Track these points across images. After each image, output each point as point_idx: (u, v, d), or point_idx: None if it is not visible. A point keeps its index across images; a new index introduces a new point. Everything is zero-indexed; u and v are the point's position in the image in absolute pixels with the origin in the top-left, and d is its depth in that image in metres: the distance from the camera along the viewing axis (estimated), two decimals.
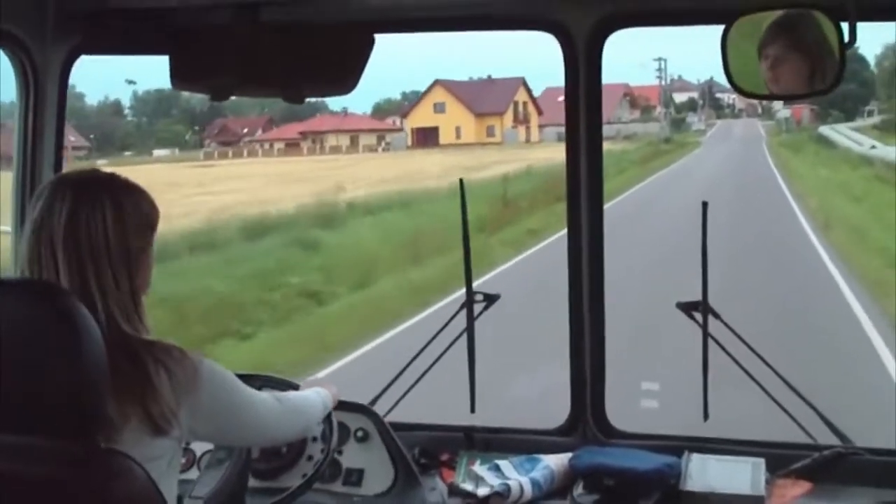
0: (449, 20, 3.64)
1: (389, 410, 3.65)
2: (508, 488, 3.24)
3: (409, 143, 53.26)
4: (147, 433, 2.34)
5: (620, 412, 3.63)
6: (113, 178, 2.51)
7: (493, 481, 3.29)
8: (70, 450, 2.02)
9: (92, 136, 45.69)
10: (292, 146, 52.54)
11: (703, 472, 3.25)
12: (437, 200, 25.84)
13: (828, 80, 2.88)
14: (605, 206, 3.54)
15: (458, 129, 53.03)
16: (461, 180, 3.86)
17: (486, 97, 53.48)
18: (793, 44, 2.89)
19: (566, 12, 3.41)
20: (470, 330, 3.70)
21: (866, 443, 3.36)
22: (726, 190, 26.68)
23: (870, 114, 53.31)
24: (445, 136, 52.58)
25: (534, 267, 17.03)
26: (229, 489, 3.00)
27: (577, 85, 3.44)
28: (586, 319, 3.52)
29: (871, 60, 53.31)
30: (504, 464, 3.38)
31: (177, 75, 3.28)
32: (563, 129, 3.54)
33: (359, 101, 55.07)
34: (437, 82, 54.65)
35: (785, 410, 3.40)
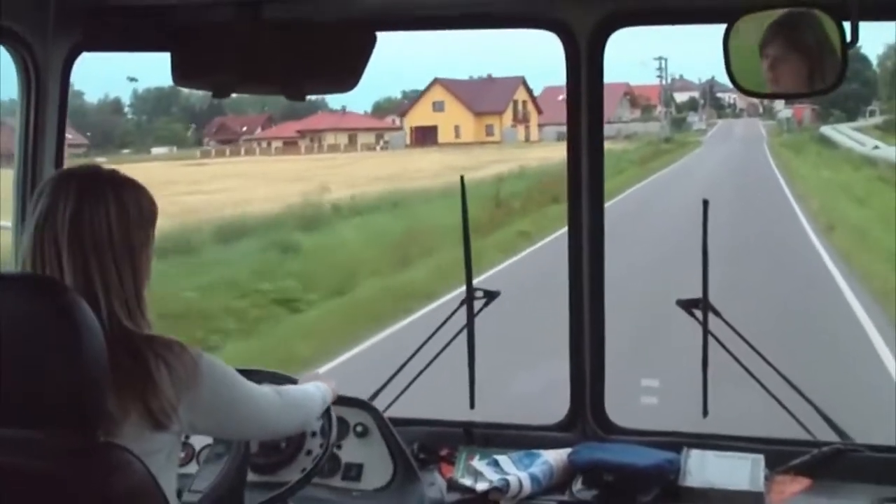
0: (451, 18, 3.64)
1: (389, 405, 3.66)
2: (507, 483, 3.24)
3: (408, 141, 53.18)
4: (147, 428, 2.35)
5: (620, 409, 3.65)
6: (114, 173, 2.52)
7: (492, 476, 3.30)
8: (70, 444, 2.02)
9: (88, 133, 45.65)
10: (290, 144, 52.40)
11: (702, 469, 3.26)
12: (429, 200, 25.57)
13: (829, 80, 2.88)
14: (606, 205, 3.55)
15: (457, 128, 52.94)
16: (462, 177, 3.87)
17: (485, 96, 53.40)
18: (792, 44, 2.90)
19: (568, 11, 3.42)
20: (470, 326, 3.71)
21: (866, 440, 3.37)
22: (727, 190, 26.62)
23: (871, 114, 53.20)
24: (444, 135, 52.49)
25: (522, 272, 16.76)
26: (228, 483, 3.00)
27: (579, 83, 3.45)
28: (586, 316, 3.52)
29: (874, 60, 53.26)
30: (503, 459, 3.38)
31: (178, 72, 3.29)
32: (562, 129, 3.54)
33: (360, 99, 55.07)
34: (436, 81, 54.53)
35: (784, 407, 3.42)
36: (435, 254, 17.94)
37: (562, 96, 3.48)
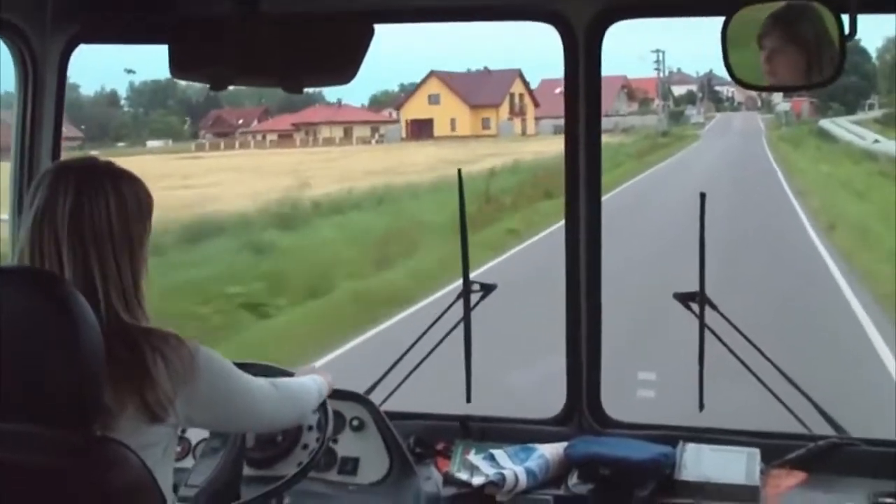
0: (449, 10, 3.65)
1: (385, 399, 3.66)
2: (503, 477, 3.24)
3: (404, 135, 53.08)
4: (143, 421, 2.35)
5: (616, 402, 3.65)
6: (111, 165, 2.52)
7: (489, 470, 3.30)
8: (68, 439, 2.03)
9: (83, 126, 45.55)
10: (285, 138, 52.28)
11: (697, 462, 3.26)
12: (417, 196, 25.03)
13: (826, 73, 2.88)
14: (603, 199, 3.55)
15: (452, 122, 52.78)
16: (459, 171, 3.86)
17: (481, 89, 53.25)
18: (790, 36, 2.90)
19: (566, 3, 3.41)
20: (466, 320, 3.71)
21: (863, 434, 3.38)
22: (725, 184, 26.54)
23: (870, 107, 53.09)
24: (440, 129, 52.33)
25: (508, 272, 15.96)
26: (224, 478, 3.00)
27: (577, 76, 3.45)
28: (583, 309, 3.53)
29: (873, 53, 53.16)
30: (499, 453, 3.39)
31: (176, 65, 3.28)
32: (559, 122, 3.55)
33: (357, 92, 54.89)
34: (431, 73, 54.31)
35: (780, 400, 3.42)
36: (415, 255, 17.61)
37: (559, 89, 3.48)
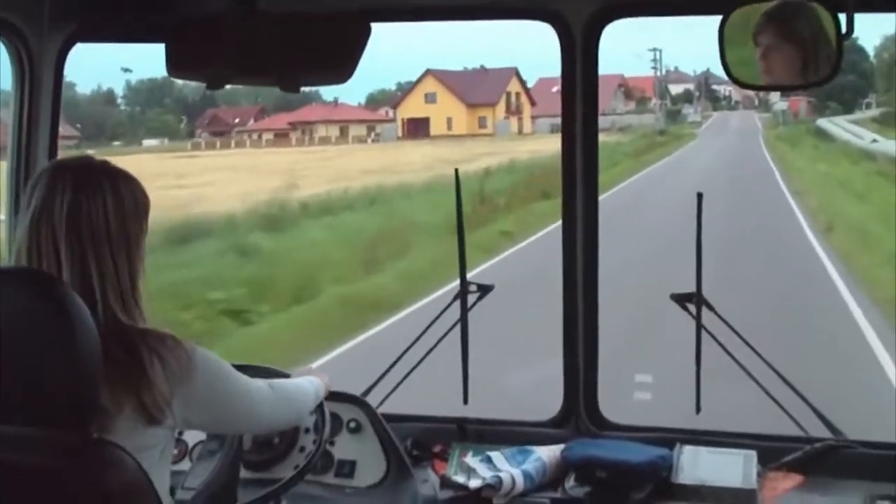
0: (446, 9, 3.64)
1: (382, 401, 3.65)
2: (500, 480, 3.24)
3: (400, 133, 53.03)
4: (140, 422, 2.34)
5: (613, 404, 3.64)
6: (107, 164, 2.52)
7: (485, 473, 3.29)
8: (64, 440, 2.02)
9: (79, 125, 45.48)
10: (282, 137, 52.22)
11: (694, 465, 3.26)
12: (409, 196, 24.80)
13: (823, 72, 2.88)
14: (600, 198, 3.54)
15: (449, 120, 52.75)
16: (456, 170, 3.86)
17: (478, 87, 53.21)
18: (785, 34, 2.89)
19: (564, 2, 3.41)
20: (463, 321, 3.71)
21: (861, 437, 3.37)
22: (722, 183, 26.51)
23: (868, 106, 53.06)
24: (437, 127, 52.30)
25: (499, 275, 16.09)
26: (221, 480, 2.99)
27: (574, 75, 3.44)
28: (580, 311, 3.52)
29: (871, 51, 53.10)
30: (496, 455, 3.38)
31: (173, 64, 3.27)
32: (555, 121, 3.55)
33: (354, 91, 54.85)
34: (428, 72, 54.29)
35: (777, 403, 3.41)
36: (407, 256, 17.47)
37: (556, 88, 3.48)
